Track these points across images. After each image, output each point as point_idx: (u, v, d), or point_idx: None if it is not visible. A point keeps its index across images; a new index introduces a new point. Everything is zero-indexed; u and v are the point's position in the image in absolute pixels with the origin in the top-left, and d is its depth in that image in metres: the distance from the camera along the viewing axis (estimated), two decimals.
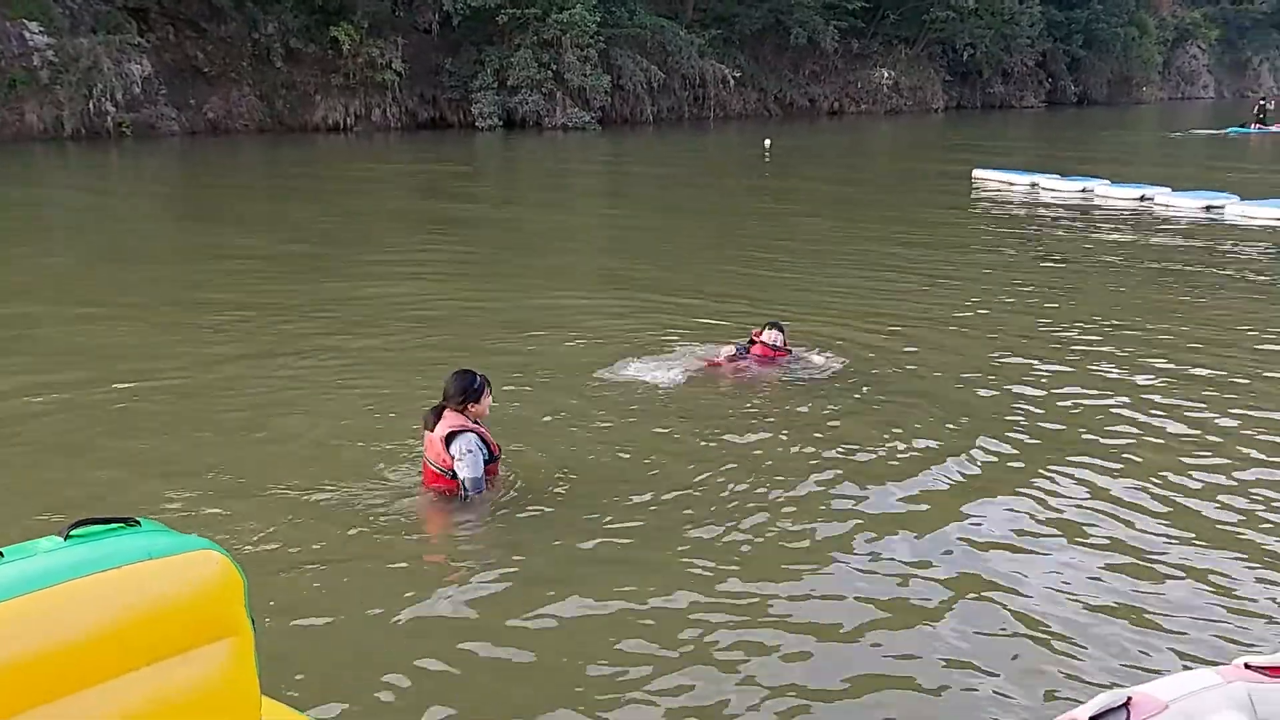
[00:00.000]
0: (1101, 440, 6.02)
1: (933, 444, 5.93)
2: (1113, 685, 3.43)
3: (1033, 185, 19.28)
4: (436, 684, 3.62)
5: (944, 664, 3.76)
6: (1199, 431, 6.18)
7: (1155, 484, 5.38)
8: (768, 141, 28.86)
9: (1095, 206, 17.09)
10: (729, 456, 5.70)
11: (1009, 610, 4.14)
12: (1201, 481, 5.42)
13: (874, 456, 5.76)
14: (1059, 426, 6.26)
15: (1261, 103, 38.68)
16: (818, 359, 7.44)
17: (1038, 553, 4.66)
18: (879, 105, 49.44)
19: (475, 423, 5.05)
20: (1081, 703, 2.22)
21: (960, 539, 4.77)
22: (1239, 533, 4.86)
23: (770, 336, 7.37)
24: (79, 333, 8.64)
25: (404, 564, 4.50)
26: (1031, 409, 6.57)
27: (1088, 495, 5.25)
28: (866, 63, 49.90)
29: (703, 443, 5.94)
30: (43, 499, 5.06)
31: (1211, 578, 4.41)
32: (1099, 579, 4.40)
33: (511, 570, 4.42)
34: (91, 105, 28.26)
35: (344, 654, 3.81)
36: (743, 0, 43.81)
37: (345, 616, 4.04)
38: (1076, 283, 10.85)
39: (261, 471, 5.43)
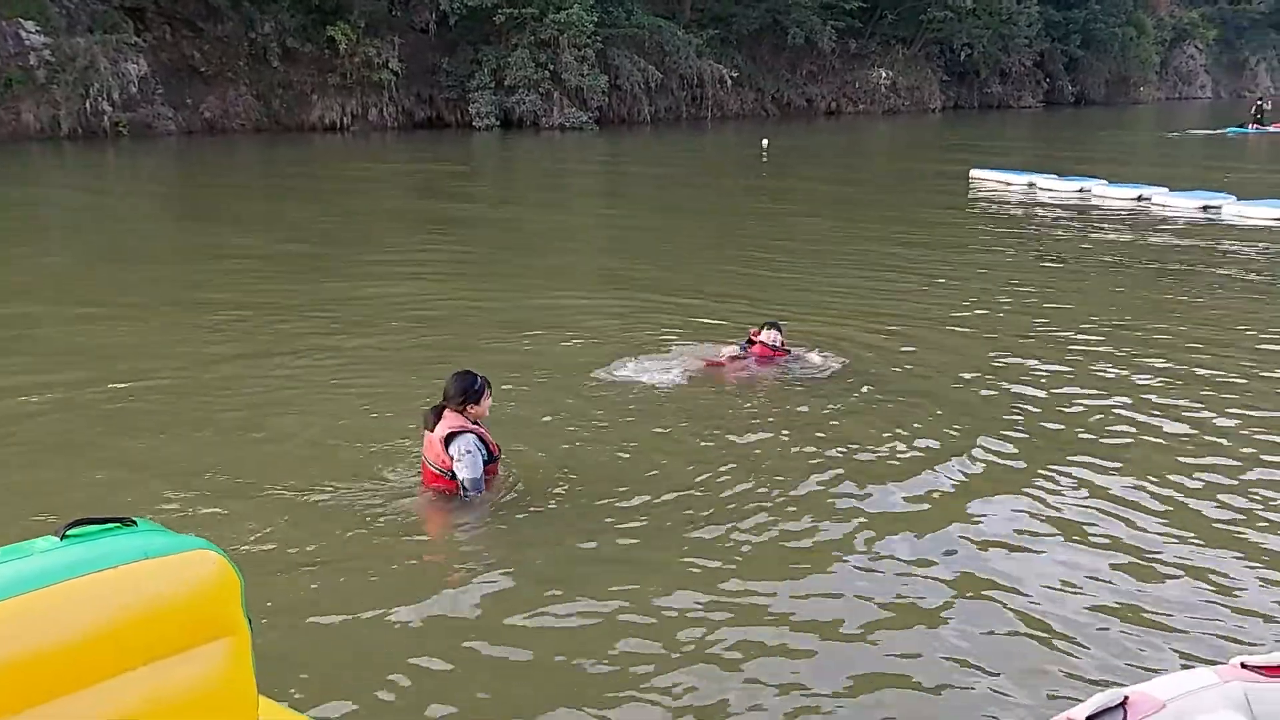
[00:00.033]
0: (1100, 439, 6.03)
1: (932, 444, 5.92)
2: (1112, 684, 3.42)
3: (1030, 185, 19.30)
4: (436, 684, 3.61)
5: (944, 663, 3.76)
6: (1197, 431, 6.18)
7: (1154, 483, 5.38)
8: (765, 141, 28.89)
9: (1093, 206, 17.10)
10: (729, 456, 5.69)
11: (1009, 609, 4.13)
12: (1200, 481, 5.42)
13: (874, 456, 5.75)
14: (1057, 426, 6.26)
15: (1259, 103, 38.76)
16: (816, 358, 7.44)
17: (1037, 552, 4.66)
18: (876, 105, 49.46)
19: (475, 424, 5.03)
20: (1080, 701, 2.22)
21: (960, 538, 4.77)
22: (1237, 532, 4.86)
23: (768, 336, 7.37)
24: (77, 332, 8.62)
25: (403, 564, 4.49)
26: (1029, 408, 6.58)
27: (1086, 494, 5.25)
28: (864, 63, 49.92)
29: (703, 443, 5.93)
30: (40, 499, 5.04)
31: (1210, 577, 4.41)
32: (1098, 578, 4.40)
33: (511, 570, 4.41)
34: (88, 105, 28.24)
35: (344, 654, 3.80)
36: (740, 0, 43.83)
37: (345, 616, 4.03)
38: (1074, 282, 10.86)
39: (260, 471, 5.41)
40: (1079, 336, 8.39)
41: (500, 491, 5.15)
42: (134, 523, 2.14)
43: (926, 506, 5.13)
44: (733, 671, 3.68)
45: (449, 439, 4.94)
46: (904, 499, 5.21)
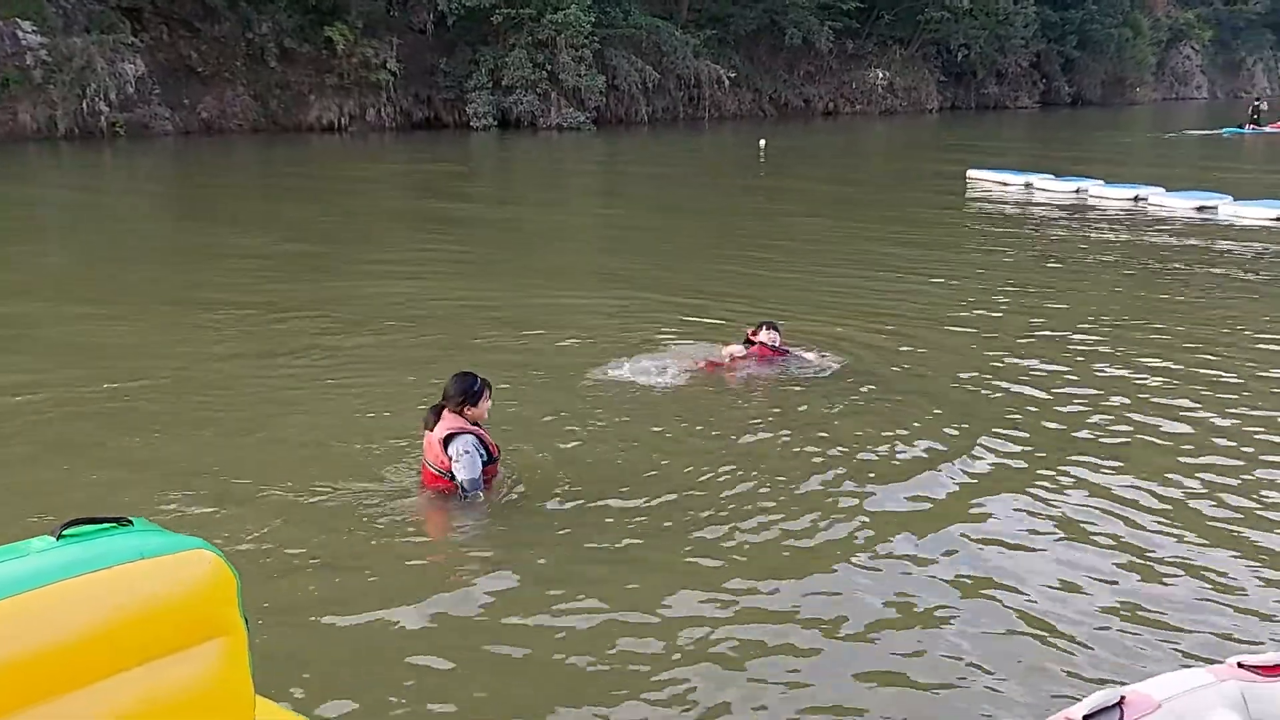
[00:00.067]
0: (1099, 439, 6.03)
1: (932, 444, 5.92)
2: (1110, 683, 3.41)
3: (1027, 185, 19.32)
4: (436, 683, 3.60)
5: (944, 662, 3.75)
6: (1196, 430, 6.18)
7: (1153, 483, 5.38)
8: (763, 142, 28.89)
9: (1089, 207, 17.11)
10: (729, 456, 5.69)
11: (1009, 608, 4.13)
12: (1199, 481, 5.42)
13: (874, 456, 5.75)
14: (1055, 425, 6.26)
15: (1255, 103, 38.83)
16: (815, 358, 7.44)
17: (1037, 551, 4.66)
18: (873, 106, 49.50)
19: (474, 424, 5.02)
20: (1080, 700, 2.21)
21: (960, 538, 4.76)
22: (1235, 532, 4.86)
23: (766, 336, 7.36)
24: (76, 332, 8.60)
25: (403, 564, 4.48)
26: (1028, 407, 6.57)
27: (1086, 494, 5.25)
28: (861, 63, 49.95)
29: (703, 443, 5.92)
30: (40, 498, 5.03)
31: (1209, 576, 4.41)
32: (1097, 577, 4.39)
33: (511, 570, 4.40)
34: (85, 105, 28.21)
35: (343, 654, 3.79)
36: (738, 0, 43.84)
37: (344, 616, 4.02)
38: (1072, 282, 10.86)
39: (259, 471, 5.40)
40: (1077, 336, 8.40)
41: (500, 492, 5.14)
42: (130, 522, 2.13)
43: (927, 506, 5.12)
44: (733, 671, 3.67)
45: (448, 440, 4.93)
46: (904, 499, 5.20)
